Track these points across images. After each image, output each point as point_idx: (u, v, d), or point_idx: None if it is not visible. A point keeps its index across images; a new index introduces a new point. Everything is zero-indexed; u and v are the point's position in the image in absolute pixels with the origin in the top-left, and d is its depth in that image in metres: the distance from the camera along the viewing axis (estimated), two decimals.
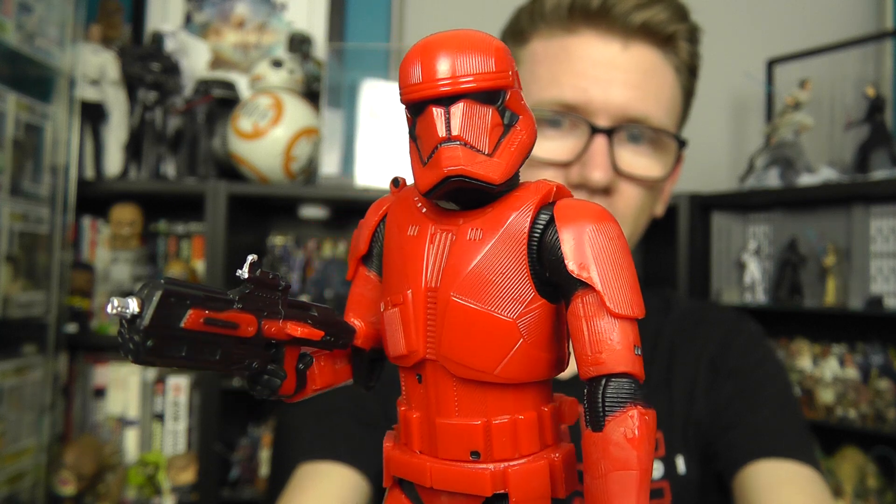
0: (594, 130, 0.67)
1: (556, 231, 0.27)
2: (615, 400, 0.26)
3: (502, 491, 0.28)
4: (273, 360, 0.28)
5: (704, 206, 1.56)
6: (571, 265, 0.27)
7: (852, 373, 1.39)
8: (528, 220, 0.28)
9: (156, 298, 0.22)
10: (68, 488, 1.47)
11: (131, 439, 1.63)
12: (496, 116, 0.28)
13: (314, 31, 1.83)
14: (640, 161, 0.69)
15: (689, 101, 0.77)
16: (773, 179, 1.46)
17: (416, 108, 0.28)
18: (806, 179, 1.43)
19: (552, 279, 0.28)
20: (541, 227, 0.28)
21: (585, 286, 0.27)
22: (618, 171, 0.68)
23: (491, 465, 0.28)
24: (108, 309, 0.22)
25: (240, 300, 0.26)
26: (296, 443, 0.72)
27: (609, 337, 0.26)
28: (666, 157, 0.71)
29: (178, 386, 1.63)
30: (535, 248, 0.28)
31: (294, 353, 0.30)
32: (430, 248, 0.29)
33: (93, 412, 1.66)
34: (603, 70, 0.67)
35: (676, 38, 0.70)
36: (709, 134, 1.82)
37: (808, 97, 1.47)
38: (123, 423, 1.63)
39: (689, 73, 0.74)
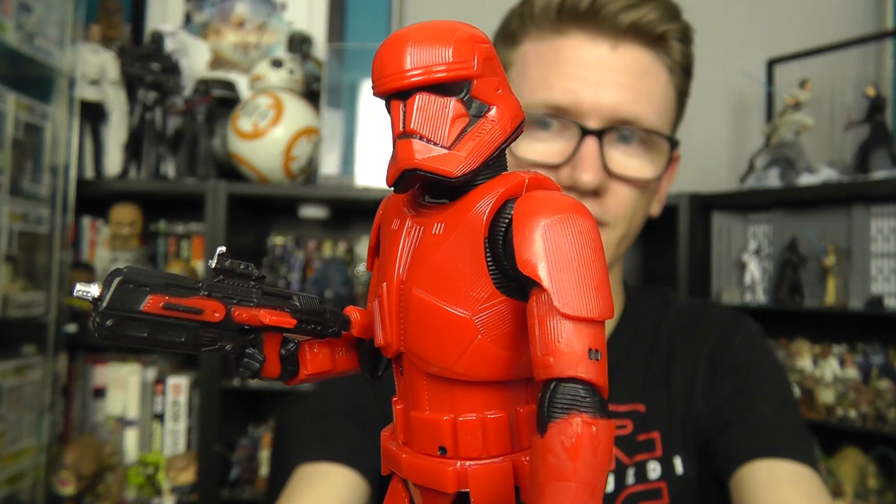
0: (584, 132, 0.66)
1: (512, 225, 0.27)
2: (558, 406, 0.24)
3: (465, 489, 0.28)
4: (252, 345, 0.30)
5: (704, 206, 1.55)
6: (521, 261, 0.26)
7: (852, 373, 1.39)
8: (487, 213, 0.27)
9: (114, 284, 0.25)
10: (68, 488, 1.47)
11: (131, 439, 1.63)
12: (459, 107, 0.27)
13: (314, 31, 1.83)
14: (631, 162, 0.69)
15: (683, 101, 0.77)
16: (773, 179, 1.46)
17: (385, 104, 0.28)
18: (806, 179, 1.43)
19: (516, 275, 0.27)
20: (506, 220, 0.27)
21: (539, 284, 0.25)
22: (609, 173, 0.67)
23: (456, 463, 0.28)
24: (74, 292, 0.25)
25: (206, 288, 0.28)
26: (295, 443, 0.72)
27: (558, 339, 0.24)
28: (658, 158, 0.71)
29: (178, 386, 1.63)
30: (500, 242, 0.27)
31: (277, 339, 0.31)
32: (405, 241, 0.30)
33: (92, 412, 1.65)
34: (592, 71, 0.67)
35: (668, 38, 0.70)
36: (709, 134, 1.82)
37: (808, 97, 1.47)
38: (123, 423, 1.63)
39: (682, 73, 0.74)
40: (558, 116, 0.68)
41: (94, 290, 0.25)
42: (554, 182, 0.29)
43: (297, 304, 0.30)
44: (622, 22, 0.67)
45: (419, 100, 0.27)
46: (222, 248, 0.29)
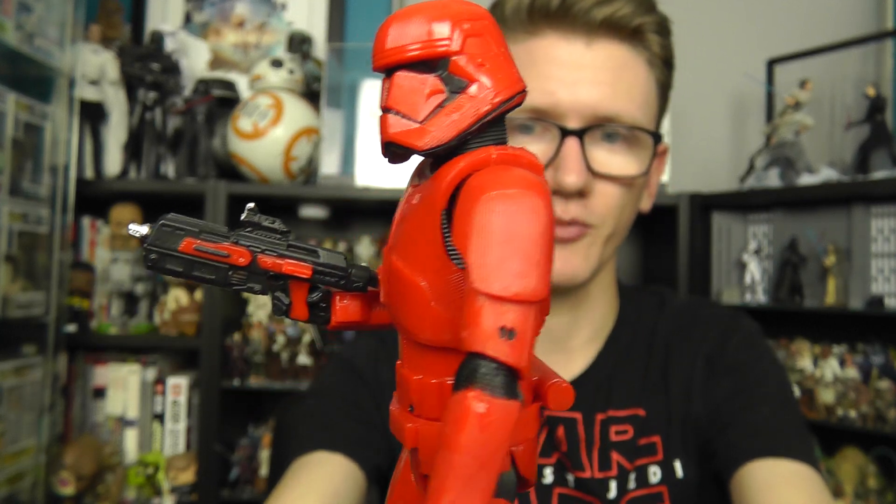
0: (564, 133, 0.65)
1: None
2: (460, 379, 0.24)
3: (416, 447, 0.29)
4: (281, 290, 0.34)
5: (704, 206, 1.56)
6: (455, 234, 0.26)
7: (853, 373, 1.39)
8: (446, 184, 0.28)
9: (157, 226, 0.30)
10: (68, 488, 1.47)
11: (131, 439, 1.63)
12: (436, 84, 0.28)
13: (314, 31, 1.83)
14: (615, 160, 0.68)
15: (666, 94, 0.75)
16: (773, 179, 1.46)
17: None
18: (806, 179, 1.43)
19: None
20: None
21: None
22: (593, 172, 0.66)
23: (418, 421, 0.29)
24: (128, 229, 0.30)
25: (235, 236, 0.32)
26: (294, 440, 0.73)
27: (473, 314, 0.24)
28: (642, 154, 0.70)
29: (178, 386, 1.63)
30: (452, 214, 0.28)
31: (304, 287, 0.34)
32: (401, 209, 0.32)
33: (92, 412, 1.65)
34: (568, 71, 0.66)
35: (644, 31, 0.68)
36: (709, 134, 1.82)
37: (808, 97, 1.47)
38: (123, 423, 1.63)
39: (663, 66, 0.72)
40: (538, 119, 0.67)
41: (144, 229, 0.30)
42: (532, 160, 0.28)
43: (319, 257, 0.34)
44: (595, 18, 0.65)
45: (398, 77, 0.28)
46: (252, 204, 0.33)
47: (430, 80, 0.28)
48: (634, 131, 0.68)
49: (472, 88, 0.28)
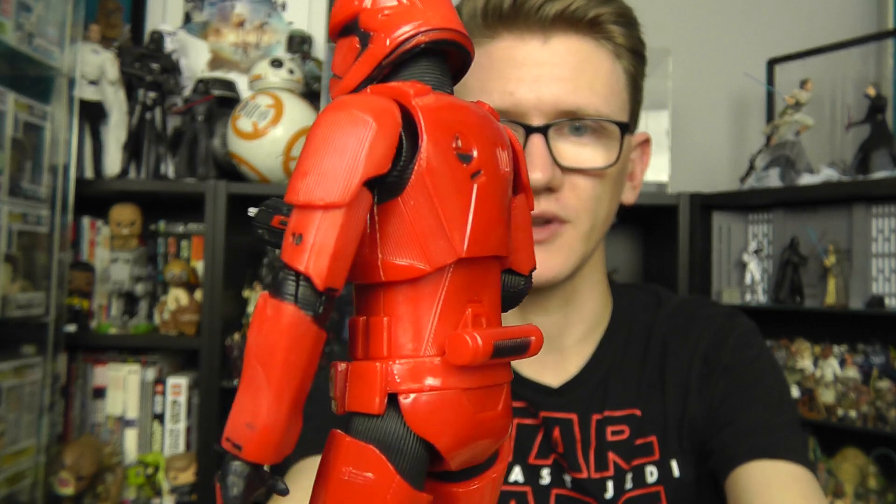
0: (529, 131, 0.65)
1: None
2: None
3: None
4: None
5: (704, 206, 1.55)
6: None
7: (853, 373, 1.39)
8: None
9: (260, 206, 0.30)
10: (68, 489, 1.46)
11: (131, 439, 1.63)
12: (353, 42, 0.29)
13: (314, 31, 1.83)
14: (583, 152, 0.67)
15: (638, 85, 0.74)
16: (773, 179, 1.46)
17: None
18: (806, 179, 1.42)
19: None
20: None
21: None
22: (562, 167, 0.66)
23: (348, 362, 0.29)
24: (249, 212, 0.30)
25: None
26: None
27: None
28: (612, 145, 0.69)
29: (178, 386, 1.62)
30: None
31: None
32: None
33: (92, 412, 1.65)
34: (527, 69, 0.66)
35: (603, 23, 0.68)
36: (709, 134, 1.82)
37: (808, 97, 1.47)
38: (123, 423, 1.63)
39: (631, 56, 0.71)
40: (502, 121, 0.67)
41: (252, 211, 0.31)
42: (400, 89, 0.27)
43: None
44: (547, 14, 0.65)
45: (336, 45, 0.30)
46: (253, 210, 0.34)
47: (350, 40, 0.29)
48: (602, 123, 0.68)
49: (377, 37, 0.28)
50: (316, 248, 0.23)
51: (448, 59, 0.30)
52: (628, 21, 0.70)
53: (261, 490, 0.25)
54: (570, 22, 0.66)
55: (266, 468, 0.25)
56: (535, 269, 0.31)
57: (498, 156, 0.28)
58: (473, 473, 0.28)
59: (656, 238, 1.70)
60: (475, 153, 0.27)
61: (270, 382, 0.23)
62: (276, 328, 0.23)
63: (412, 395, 0.25)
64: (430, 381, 0.25)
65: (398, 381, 0.25)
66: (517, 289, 0.31)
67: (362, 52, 0.28)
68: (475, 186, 0.27)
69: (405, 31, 0.28)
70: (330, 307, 0.24)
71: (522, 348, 0.27)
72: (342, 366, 0.27)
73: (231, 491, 0.24)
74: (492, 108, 0.31)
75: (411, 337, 0.26)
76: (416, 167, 0.25)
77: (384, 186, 0.26)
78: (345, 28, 0.29)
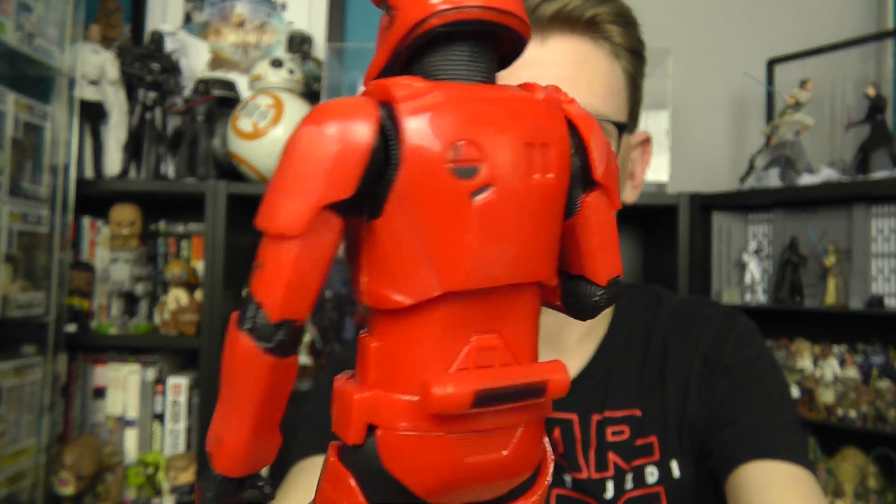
0: None
1: None
2: None
3: None
4: None
5: (704, 206, 1.56)
6: None
7: (853, 373, 1.39)
8: None
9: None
10: (68, 489, 1.46)
11: (131, 439, 1.63)
12: (385, 21, 0.25)
13: (314, 31, 1.83)
14: None
15: (637, 85, 0.74)
16: (773, 179, 1.46)
17: None
18: (806, 179, 1.43)
19: None
20: None
21: None
22: None
23: None
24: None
25: None
26: (293, 444, 0.73)
27: None
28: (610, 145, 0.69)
29: (178, 386, 1.62)
30: None
31: None
32: None
33: (92, 412, 1.65)
34: (525, 70, 0.65)
35: (600, 23, 0.67)
36: (709, 134, 1.82)
37: (808, 97, 1.47)
38: (123, 423, 1.63)
39: (630, 56, 0.71)
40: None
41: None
42: (384, 85, 0.23)
43: None
44: (544, 14, 0.65)
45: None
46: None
47: (384, 17, 0.25)
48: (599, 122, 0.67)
49: (398, 16, 0.24)
50: (270, 278, 0.22)
51: (494, 41, 0.25)
52: (626, 21, 0.70)
53: (239, 497, 0.25)
54: (567, 22, 0.66)
55: (263, 473, 0.25)
56: (617, 278, 0.26)
57: (530, 161, 0.23)
58: (516, 495, 0.25)
59: (656, 238, 1.70)
60: (483, 165, 0.22)
61: (233, 404, 0.23)
62: (233, 357, 0.22)
63: (389, 432, 0.23)
64: (406, 422, 0.22)
65: (377, 413, 0.23)
66: (591, 301, 0.26)
67: (387, 33, 0.25)
68: (476, 206, 0.22)
69: (421, 11, 0.23)
70: (294, 335, 0.22)
71: (532, 393, 0.23)
72: (338, 380, 0.25)
73: (205, 494, 0.24)
74: (556, 90, 0.26)
75: (395, 369, 0.23)
76: (394, 187, 0.22)
77: (368, 203, 0.23)
78: (386, 5, 0.25)
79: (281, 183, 0.22)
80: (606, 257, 0.26)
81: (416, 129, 0.22)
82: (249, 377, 0.22)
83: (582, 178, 0.25)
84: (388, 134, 0.22)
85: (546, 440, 0.26)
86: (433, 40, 0.24)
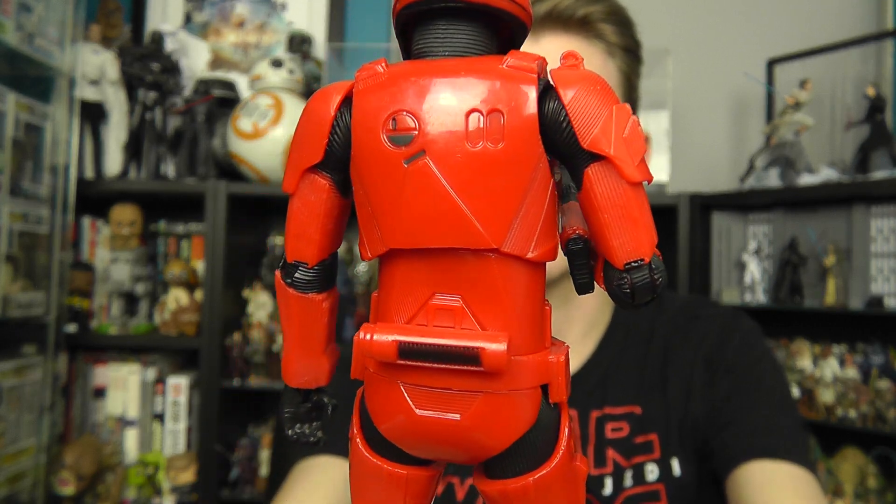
0: None
1: None
2: None
3: None
4: None
5: (704, 206, 1.56)
6: None
7: (852, 373, 1.39)
8: None
9: None
10: (68, 488, 1.46)
11: (131, 439, 1.63)
12: None
13: (314, 31, 1.83)
14: None
15: (632, 84, 0.74)
16: (773, 179, 1.46)
17: None
18: (806, 179, 1.43)
19: None
20: None
21: None
22: None
23: None
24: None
25: None
26: (294, 444, 0.72)
27: None
28: None
29: (178, 386, 1.63)
30: None
31: None
32: None
33: (92, 412, 1.65)
34: None
35: (593, 21, 0.67)
36: (709, 134, 1.82)
37: (808, 97, 1.47)
38: (123, 423, 1.63)
39: (624, 54, 0.71)
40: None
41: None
42: (357, 73, 0.26)
43: None
44: (537, 12, 0.65)
45: None
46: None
47: None
48: None
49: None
50: (286, 229, 0.28)
51: (492, 20, 0.26)
52: (620, 19, 0.70)
53: (306, 409, 0.31)
54: (559, 21, 0.66)
55: (323, 393, 0.31)
56: (637, 262, 0.25)
57: (472, 130, 0.23)
58: (519, 471, 0.26)
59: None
60: (416, 134, 0.23)
61: (284, 331, 0.29)
62: (277, 292, 0.29)
63: (367, 371, 0.27)
64: (373, 365, 0.26)
65: (368, 352, 0.26)
66: (611, 287, 0.25)
67: None
68: (408, 171, 0.23)
69: None
70: (309, 275, 0.28)
71: (464, 359, 0.23)
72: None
73: (282, 406, 0.32)
74: (566, 57, 0.26)
75: (377, 317, 0.27)
76: (351, 157, 0.25)
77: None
78: None
79: (290, 149, 0.28)
80: (621, 236, 0.25)
81: (359, 105, 0.25)
82: (284, 307, 0.28)
83: (580, 149, 0.24)
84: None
85: (566, 427, 0.26)
86: (415, 21, 0.26)
